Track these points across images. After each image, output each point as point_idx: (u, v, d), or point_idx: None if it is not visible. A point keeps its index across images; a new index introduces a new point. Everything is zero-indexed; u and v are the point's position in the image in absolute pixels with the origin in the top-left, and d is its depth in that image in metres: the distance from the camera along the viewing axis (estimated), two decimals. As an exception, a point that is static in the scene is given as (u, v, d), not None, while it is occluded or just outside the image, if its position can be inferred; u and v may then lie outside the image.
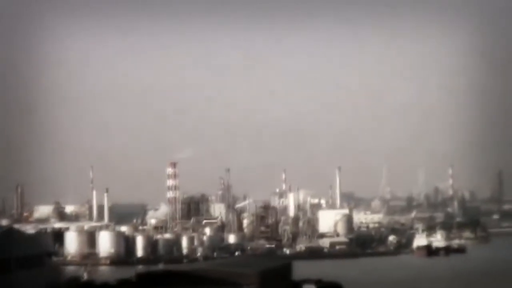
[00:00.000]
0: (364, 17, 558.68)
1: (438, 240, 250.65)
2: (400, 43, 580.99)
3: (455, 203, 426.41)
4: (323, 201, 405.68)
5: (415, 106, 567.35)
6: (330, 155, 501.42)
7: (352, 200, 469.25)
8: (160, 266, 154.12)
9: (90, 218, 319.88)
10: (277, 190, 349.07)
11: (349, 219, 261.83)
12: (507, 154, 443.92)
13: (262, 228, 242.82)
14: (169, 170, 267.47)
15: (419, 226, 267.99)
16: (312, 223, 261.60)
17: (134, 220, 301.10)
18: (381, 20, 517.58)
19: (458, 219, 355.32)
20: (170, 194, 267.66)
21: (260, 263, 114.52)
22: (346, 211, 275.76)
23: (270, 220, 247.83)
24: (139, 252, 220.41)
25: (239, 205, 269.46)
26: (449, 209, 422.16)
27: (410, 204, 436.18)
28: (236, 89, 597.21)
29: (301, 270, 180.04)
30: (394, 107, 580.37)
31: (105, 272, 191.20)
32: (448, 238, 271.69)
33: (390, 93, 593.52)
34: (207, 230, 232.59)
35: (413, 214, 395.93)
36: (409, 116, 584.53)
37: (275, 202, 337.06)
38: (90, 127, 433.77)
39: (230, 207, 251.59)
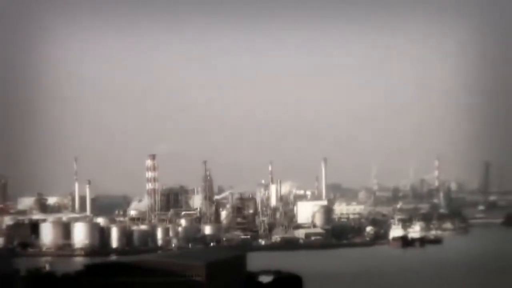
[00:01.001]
0: (358, 15, 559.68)
1: (416, 231, 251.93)
2: (386, 39, 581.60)
3: (441, 194, 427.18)
4: (308, 193, 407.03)
5: (404, 100, 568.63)
6: (318, 147, 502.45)
7: (338, 191, 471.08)
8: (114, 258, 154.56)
9: (73, 209, 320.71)
10: (263, 182, 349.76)
11: (327, 210, 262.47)
12: (493, 146, 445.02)
13: (239, 220, 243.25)
14: (148, 162, 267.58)
15: (395, 217, 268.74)
16: (290, 214, 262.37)
17: (116, 212, 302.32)
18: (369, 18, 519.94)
19: (442, 210, 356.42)
20: (149, 186, 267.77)
21: (212, 255, 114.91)
22: (324, 202, 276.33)
23: (247, 212, 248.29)
24: (114, 243, 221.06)
25: (218, 196, 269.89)
26: (435, 200, 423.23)
27: (396, 195, 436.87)
28: (225, 84, 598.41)
29: (270, 260, 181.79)
30: (384, 101, 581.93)
31: (78, 263, 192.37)
32: (427, 229, 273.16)
33: (380, 87, 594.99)
34: (183, 222, 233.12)
35: (399, 205, 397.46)
36: (399, 109, 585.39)
37: (261, 193, 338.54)
38: (75, 120, 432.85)
39: (207, 198, 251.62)
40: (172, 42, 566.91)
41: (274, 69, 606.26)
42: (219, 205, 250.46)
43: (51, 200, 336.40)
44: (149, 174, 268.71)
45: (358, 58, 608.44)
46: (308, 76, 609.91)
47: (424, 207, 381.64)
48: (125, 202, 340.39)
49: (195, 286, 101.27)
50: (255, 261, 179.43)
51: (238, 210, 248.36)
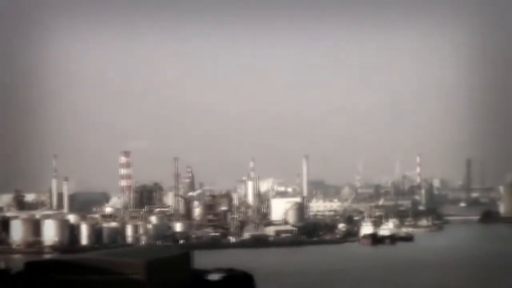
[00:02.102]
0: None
1: (389, 228, 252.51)
2: (376, 37, 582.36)
3: (422, 191, 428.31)
4: (289, 189, 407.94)
5: (388, 98, 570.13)
6: (302, 144, 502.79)
7: (321, 188, 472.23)
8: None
9: (51, 206, 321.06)
10: (244, 179, 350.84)
11: (299, 207, 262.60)
12: (476, 143, 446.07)
13: (210, 217, 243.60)
14: (122, 159, 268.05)
15: (365, 214, 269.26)
16: (262, 212, 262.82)
17: (94, 209, 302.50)
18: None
19: (421, 207, 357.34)
20: (123, 183, 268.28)
21: (155, 253, 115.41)
22: (297, 199, 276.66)
23: (218, 209, 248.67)
24: (84, 240, 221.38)
25: (192, 193, 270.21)
26: (416, 197, 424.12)
27: (378, 192, 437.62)
28: (210, 82, 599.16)
29: (233, 258, 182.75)
30: (367, 99, 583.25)
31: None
32: (401, 226, 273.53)
33: (366, 86, 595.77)
34: (153, 219, 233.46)
35: (380, 201, 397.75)
36: (383, 107, 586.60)
37: (238, 191, 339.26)
38: (56, 116, 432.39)
39: (177, 195, 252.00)
40: (154, 39, 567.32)
41: (258, 67, 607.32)
42: (190, 202, 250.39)
43: (30, 197, 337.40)
44: (123, 171, 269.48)
45: (344, 56, 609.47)
46: (294, 75, 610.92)
47: (405, 204, 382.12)
48: (104, 199, 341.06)
49: (135, 284, 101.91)
50: (218, 258, 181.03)
51: (209, 207, 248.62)
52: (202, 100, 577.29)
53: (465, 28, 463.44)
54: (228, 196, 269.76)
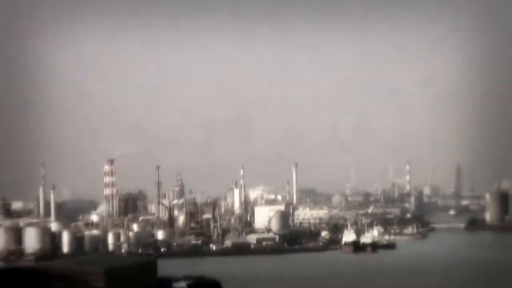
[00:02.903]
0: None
1: (373, 236, 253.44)
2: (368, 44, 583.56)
3: (412, 199, 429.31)
4: (279, 197, 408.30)
5: (381, 105, 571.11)
6: (293, 152, 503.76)
7: (312, 196, 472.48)
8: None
9: (38, 214, 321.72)
10: (233, 187, 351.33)
11: (283, 215, 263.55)
12: (467, 150, 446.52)
13: (192, 225, 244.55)
14: (106, 168, 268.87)
15: (349, 222, 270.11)
16: (245, 219, 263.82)
17: (81, 216, 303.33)
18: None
19: (408, 215, 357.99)
20: (107, 191, 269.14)
21: (117, 261, 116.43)
22: (281, 207, 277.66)
23: (200, 217, 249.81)
24: (65, 248, 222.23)
25: (177, 201, 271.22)
26: (406, 205, 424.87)
27: (367, 200, 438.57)
28: (200, 87, 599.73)
29: (211, 266, 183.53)
30: (361, 106, 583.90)
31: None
32: (386, 233, 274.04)
33: (357, 93, 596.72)
34: (135, 227, 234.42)
35: (370, 209, 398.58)
36: (377, 113, 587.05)
37: (225, 198, 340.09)
38: (42, 123, 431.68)
39: (160, 203, 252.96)
40: (140, 46, 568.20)
41: (245, 72, 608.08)
42: (172, 210, 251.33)
43: (18, 205, 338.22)
44: (107, 179, 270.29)
45: (333, 62, 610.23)
46: (284, 79, 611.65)
47: (394, 211, 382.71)
48: (92, 207, 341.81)
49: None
50: (196, 266, 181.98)
51: (191, 215, 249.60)
52: (192, 107, 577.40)
53: (459, 35, 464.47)
54: (212, 204, 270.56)
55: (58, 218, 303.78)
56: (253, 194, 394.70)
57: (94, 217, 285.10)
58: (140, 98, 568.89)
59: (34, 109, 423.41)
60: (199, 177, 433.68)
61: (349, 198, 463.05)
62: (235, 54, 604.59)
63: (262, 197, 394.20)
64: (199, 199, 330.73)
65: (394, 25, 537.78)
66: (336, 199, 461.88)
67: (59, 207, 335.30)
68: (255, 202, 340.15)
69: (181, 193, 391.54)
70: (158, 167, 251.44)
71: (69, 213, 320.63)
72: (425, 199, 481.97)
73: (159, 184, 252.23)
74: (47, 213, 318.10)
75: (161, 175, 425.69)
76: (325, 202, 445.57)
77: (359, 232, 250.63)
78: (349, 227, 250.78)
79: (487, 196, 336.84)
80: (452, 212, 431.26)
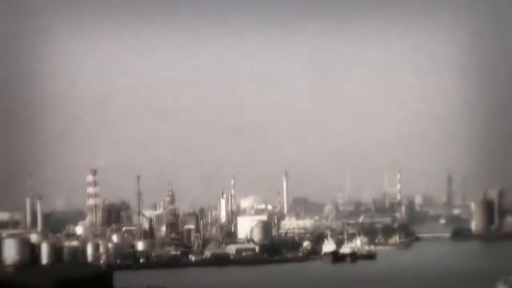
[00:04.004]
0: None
1: (356, 246, 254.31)
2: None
3: (402, 208, 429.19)
4: (269, 207, 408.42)
5: (374, 114, 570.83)
6: (284, 161, 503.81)
7: (304, 205, 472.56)
8: None
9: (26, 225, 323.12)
10: (224, 196, 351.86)
11: (265, 226, 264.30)
12: (459, 159, 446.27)
13: (173, 235, 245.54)
14: (89, 178, 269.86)
15: (328, 232, 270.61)
16: (226, 230, 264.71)
17: (67, 227, 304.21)
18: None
19: (395, 225, 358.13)
20: (90, 202, 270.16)
21: (69, 272, 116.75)
22: (264, 217, 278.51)
23: (182, 227, 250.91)
24: (44, 259, 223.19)
25: (157, 212, 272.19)
26: (397, 214, 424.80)
27: (358, 209, 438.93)
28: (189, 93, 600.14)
29: (185, 276, 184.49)
30: (354, 114, 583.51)
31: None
32: (370, 243, 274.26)
33: (347, 100, 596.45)
34: (114, 237, 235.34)
35: (361, 218, 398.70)
36: (370, 121, 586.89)
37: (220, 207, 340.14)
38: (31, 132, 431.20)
39: (140, 214, 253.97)
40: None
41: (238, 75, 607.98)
42: (153, 221, 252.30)
43: (5, 216, 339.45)
44: (90, 190, 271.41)
45: (322, 71, 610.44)
46: (277, 85, 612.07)
47: (385, 221, 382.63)
48: (80, 217, 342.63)
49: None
50: (172, 277, 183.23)
51: (172, 225, 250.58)
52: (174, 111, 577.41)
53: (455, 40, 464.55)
54: (195, 215, 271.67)
55: (45, 229, 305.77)
56: (244, 203, 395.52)
57: (79, 228, 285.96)
58: (127, 102, 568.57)
59: (26, 116, 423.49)
60: (191, 187, 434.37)
61: (341, 208, 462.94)
62: (225, 62, 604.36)
63: (252, 207, 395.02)
64: (189, 209, 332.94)
65: (382, 30, 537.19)
66: (327, 208, 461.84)
67: (47, 217, 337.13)
68: (245, 212, 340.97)
69: (172, 203, 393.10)
70: (138, 177, 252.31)
71: (57, 223, 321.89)
72: (417, 208, 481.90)
73: (139, 194, 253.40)
74: (34, 224, 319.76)
75: (153, 185, 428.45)
76: (317, 211, 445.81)
77: (340, 242, 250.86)
78: (329, 237, 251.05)
79: (472, 205, 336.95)
80: (442, 221, 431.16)
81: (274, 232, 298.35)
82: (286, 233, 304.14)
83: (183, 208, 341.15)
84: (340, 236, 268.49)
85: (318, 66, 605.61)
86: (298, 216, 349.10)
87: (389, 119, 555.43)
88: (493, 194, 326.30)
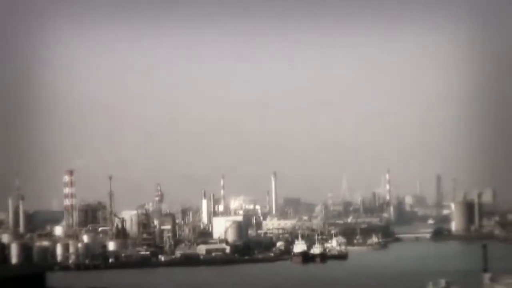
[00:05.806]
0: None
1: (330, 247, 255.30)
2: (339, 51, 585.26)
3: (391, 208, 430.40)
4: (258, 207, 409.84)
5: (366, 115, 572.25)
6: (275, 162, 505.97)
7: (297, 206, 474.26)
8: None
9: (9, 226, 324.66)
10: (212, 196, 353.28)
11: (239, 226, 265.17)
12: (449, 160, 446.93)
13: (144, 235, 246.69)
14: (66, 178, 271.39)
15: (299, 232, 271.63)
16: (199, 230, 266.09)
17: (48, 227, 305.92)
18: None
19: (378, 223, 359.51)
20: (66, 202, 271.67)
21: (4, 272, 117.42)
22: (239, 218, 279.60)
23: (153, 228, 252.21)
24: (13, 259, 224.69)
25: (131, 212, 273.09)
26: (385, 214, 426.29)
27: (347, 209, 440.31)
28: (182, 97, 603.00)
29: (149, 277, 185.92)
30: (346, 116, 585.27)
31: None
32: (348, 243, 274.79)
33: (338, 102, 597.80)
34: (85, 238, 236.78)
35: (349, 219, 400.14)
36: (362, 122, 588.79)
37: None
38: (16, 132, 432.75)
39: (112, 214, 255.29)
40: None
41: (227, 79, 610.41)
42: (125, 221, 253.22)
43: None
44: (67, 190, 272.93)
45: (310, 72, 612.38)
46: (272, 88, 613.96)
47: (372, 221, 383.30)
48: (62, 217, 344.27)
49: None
50: (138, 277, 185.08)
51: (143, 226, 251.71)
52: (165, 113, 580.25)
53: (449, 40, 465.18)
54: (172, 215, 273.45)
55: (27, 229, 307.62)
56: (234, 204, 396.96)
57: (58, 228, 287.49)
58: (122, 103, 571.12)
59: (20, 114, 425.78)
60: (180, 187, 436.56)
61: (331, 208, 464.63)
62: (217, 65, 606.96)
63: (241, 207, 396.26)
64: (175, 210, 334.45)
65: (381, 30, 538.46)
66: (318, 208, 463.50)
67: (31, 217, 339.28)
68: (234, 213, 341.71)
69: (160, 203, 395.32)
70: (110, 177, 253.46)
71: (41, 223, 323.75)
72: (408, 209, 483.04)
73: (111, 194, 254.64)
74: (16, 224, 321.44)
75: (144, 185, 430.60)
76: (308, 211, 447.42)
77: (313, 243, 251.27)
78: (299, 237, 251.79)
79: (452, 205, 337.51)
80: (430, 221, 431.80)
81: (253, 233, 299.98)
82: (266, 233, 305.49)
83: (174, 209, 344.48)
84: (320, 237, 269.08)
85: (315, 66, 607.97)
86: (285, 216, 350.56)
87: (383, 120, 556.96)
88: (473, 195, 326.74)
